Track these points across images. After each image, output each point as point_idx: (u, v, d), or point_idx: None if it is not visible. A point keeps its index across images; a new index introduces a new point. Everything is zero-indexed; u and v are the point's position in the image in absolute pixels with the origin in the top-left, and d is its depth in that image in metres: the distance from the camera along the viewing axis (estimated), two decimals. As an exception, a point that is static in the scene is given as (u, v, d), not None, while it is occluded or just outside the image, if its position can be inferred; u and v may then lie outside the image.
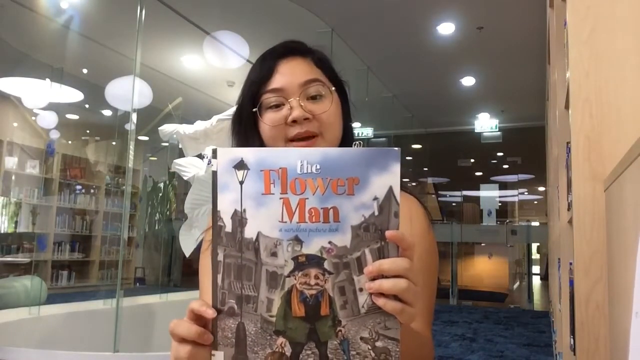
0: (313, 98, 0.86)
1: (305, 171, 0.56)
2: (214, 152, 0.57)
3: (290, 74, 0.86)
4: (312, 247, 0.56)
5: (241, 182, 0.56)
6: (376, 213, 0.56)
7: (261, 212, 0.56)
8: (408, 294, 0.56)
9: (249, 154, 0.57)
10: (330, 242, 0.56)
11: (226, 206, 0.57)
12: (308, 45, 0.92)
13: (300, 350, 0.57)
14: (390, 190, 0.56)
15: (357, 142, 0.89)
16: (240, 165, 0.56)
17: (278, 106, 0.85)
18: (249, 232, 0.56)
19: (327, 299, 0.56)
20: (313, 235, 0.56)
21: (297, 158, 0.56)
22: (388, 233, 0.56)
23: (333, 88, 0.88)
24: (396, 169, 0.56)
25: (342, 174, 0.56)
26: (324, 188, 0.56)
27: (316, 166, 0.56)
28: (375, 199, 0.56)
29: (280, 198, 0.56)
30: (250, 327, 0.57)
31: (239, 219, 0.56)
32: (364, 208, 0.56)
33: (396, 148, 0.56)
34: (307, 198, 0.56)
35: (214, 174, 0.57)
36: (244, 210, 0.56)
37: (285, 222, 0.56)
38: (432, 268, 0.87)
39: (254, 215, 0.56)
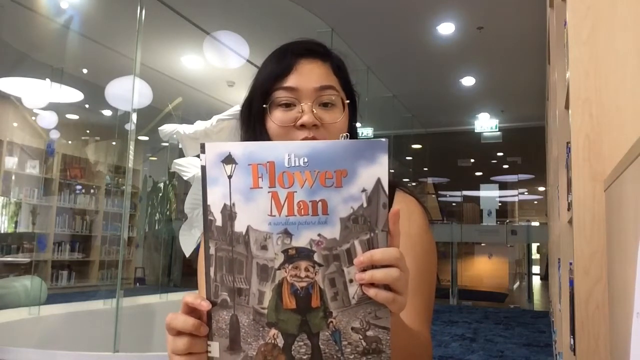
0: (325, 105, 0.85)
1: (292, 164, 0.56)
2: (202, 146, 0.57)
3: (308, 76, 0.84)
4: (302, 240, 0.56)
5: (229, 177, 0.57)
6: (365, 205, 0.56)
7: (250, 206, 0.57)
8: (399, 283, 0.56)
9: (236, 148, 0.57)
10: (319, 235, 0.56)
11: (216, 200, 0.57)
12: (328, 48, 0.91)
13: (293, 342, 0.57)
14: (379, 182, 0.56)
15: (344, 135, 0.87)
16: (228, 159, 0.57)
17: (288, 105, 0.84)
18: (239, 226, 0.57)
19: (318, 290, 0.57)
20: (302, 228, 0.56)
21: (284, 151, 0.56)
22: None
23: (347, 101, 0.88)
24: (384, 160, 0.56)
25: (330, 167, 0.56)
26: (312, 181, 0.56)
27: (304, 159, 0.56)
28: (364, 190, 0.56)
29: (269, 192, 0.56)
30: (243, 318, 0.58)
31: (229, 213, 0.57)
32: (353, 200, 0.56)
33: (384, 139, 0.56)
34: (296, 191, 0.56)
35: (203, 168, 0.57)
36: (233, 204, 0.57)
37: (274, 215, 0.56)
38: (431, 268, 0.86)
39: (243, 209, 0.57)
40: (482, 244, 10.08)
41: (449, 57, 6.37)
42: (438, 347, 4.93)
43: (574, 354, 1.15)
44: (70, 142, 8.97)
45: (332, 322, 0.57)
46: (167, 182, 9.43)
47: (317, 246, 0.56)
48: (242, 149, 0.57)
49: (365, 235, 0.56)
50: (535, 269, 11.40)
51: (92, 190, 9.30)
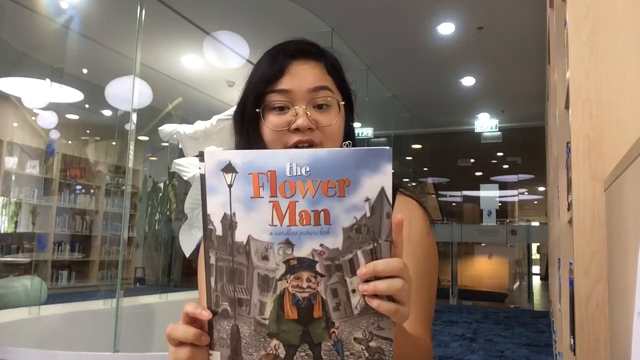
0: (319, 107, 0.82)
1: (294, 173, 0.55)
2: (201, 154, 0.56)
3: (300, 77, 0.82)
4: (304, 250, 0.55)
5: (230, 186, 0.56)
6: (368, 214, 0.55)
7: (251, 216, 0.56)
8: (402, 293, 0.55)
9: (236, 156, 0.56)
10: (321, 245, 0.55)
11: (216, 209, 0.56)
12: (321, 47, 0.88)
13: (294, 352, 0.57)
14: (382, 191, 0.55)
15: (346, 142, 0.86)
16: (228, 168, 0.55)
17: (282, 109, 0.82)
18: (240, 236, 0.56)
19: (320, 301, 0.56)
20: (304, 238, 0.55)
21: (285, 160, 0.55)
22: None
23: (342, 102, 0.85)
24: (388, 169, 0.55)
25: (332, 176, 0.55)
26: (314, 190, 0.55)
27: (305, 168, 0.55)
28: (367, 200, 0.55)
29: (270, 201, 0.55)
30: (245, 329, 0.57)
31: (229, 223, 0.56)
32: (356, 209, 0.55)
33: (387, 147, 0.54)
34: (297, 201, 0.55)
35: (202, 177, 0.56)
36: (234, 214, 0.56)
37: (276, 225, 0.55)
38: (432, 272, 0.85)
39: (244, 218, 0.56)
40: (482, 244, 10.08)
41: (449, 57, 6.37)
42: (438, 347, 4.93)
43: (574, 354, 1.15)
44: (70, 142, 8.97)
45: (334, 332, 0.56)
46: (167, 182, 9.42)
47: (319, 256, 0.55)
48: (242, 157, 0.55)
49: (369, 245, 0.55)
50: (535, 269, 11.41)
51: (92, 190, 9.30)
